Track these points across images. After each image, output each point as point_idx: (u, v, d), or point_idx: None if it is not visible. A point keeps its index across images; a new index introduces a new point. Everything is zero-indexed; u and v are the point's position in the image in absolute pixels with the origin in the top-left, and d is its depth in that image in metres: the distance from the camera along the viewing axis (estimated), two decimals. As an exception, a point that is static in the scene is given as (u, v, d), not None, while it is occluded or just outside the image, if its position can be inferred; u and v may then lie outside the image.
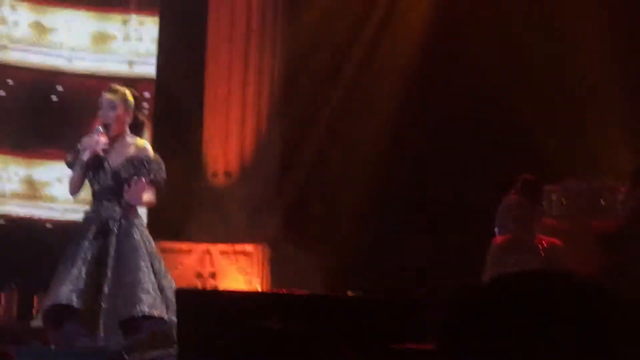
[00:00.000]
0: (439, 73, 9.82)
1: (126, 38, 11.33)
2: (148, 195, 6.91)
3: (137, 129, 7.04)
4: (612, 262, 7.15)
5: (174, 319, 6.72)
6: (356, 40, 10.14)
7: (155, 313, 6.66)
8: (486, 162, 9.20)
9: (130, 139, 6.94)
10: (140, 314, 6.62)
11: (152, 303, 6.68)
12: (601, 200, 8.42)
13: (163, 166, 6.92)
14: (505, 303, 5.26)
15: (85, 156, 6.82)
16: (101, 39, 11.33)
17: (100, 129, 6.86)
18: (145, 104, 7.94)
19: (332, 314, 5.96)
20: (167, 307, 6.75)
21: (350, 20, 10.14)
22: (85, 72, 11.20)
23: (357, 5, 10.22)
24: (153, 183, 6.86)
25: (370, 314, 6.01)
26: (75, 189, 6.94)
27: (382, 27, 10.18)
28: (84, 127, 9.48)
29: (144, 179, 6.81)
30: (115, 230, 6.81)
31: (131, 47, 11.24)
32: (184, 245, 9.36)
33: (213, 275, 9.30)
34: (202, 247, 9.38)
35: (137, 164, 6.83)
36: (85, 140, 6.92)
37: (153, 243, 6.95)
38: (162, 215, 8.83)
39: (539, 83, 9.59)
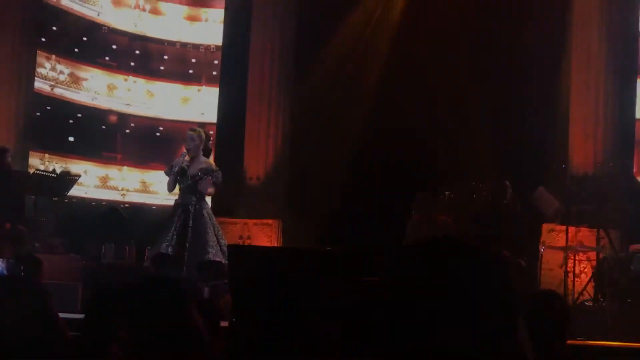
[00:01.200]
0: (388, 112, 9.46)
1: (199, 99, 11.39)
2: (211, 190, 7.07)
3: (206, 152, 7.18)
4: (478, 232, 7.13)
5: (226, 262, 6.63)
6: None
7: (217, 259, 6.84)
8: (415, 170, 8.88)
9: (202, 158, 7.10)
10: (208, 259, 6.81)
11: (215, 253, 6.86)
12: (473, 195, 8.13)
13: (220, 174, 7.08)
14: (418, 255, 5.40)
15: (176, 169, 6.96)
16: (185, 99, 11.39)
17: (185, 152, 7.00)
18: (211, 138, 7.97)
19: (321, 260, 5.98)
20: (223, 255, 6.85)
21: (339, 90, 9.79)
22: (176, 119, 11.26)
23: (347, 75, 9.85)
24: (214, 184, 7.00)
25: (344, 260, 6.01)
26: (171, 188, 7.10)
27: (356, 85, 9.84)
28: (175, 151, 9.52)
29: (209, 179, 6.90)
30: (192, 211, 6.94)
31: (203, 105, 11.29)
32: (232, 220, 9.25)
33: (249, 237, 9.17)
34: (243, 221, 9.27)
35: (206, 171, 6.98)
36: (176, 160, 7.08)
37: (214, 218, 7.16)
38: (221, 202, 8.90)
39: (445, 122, 9.08)
